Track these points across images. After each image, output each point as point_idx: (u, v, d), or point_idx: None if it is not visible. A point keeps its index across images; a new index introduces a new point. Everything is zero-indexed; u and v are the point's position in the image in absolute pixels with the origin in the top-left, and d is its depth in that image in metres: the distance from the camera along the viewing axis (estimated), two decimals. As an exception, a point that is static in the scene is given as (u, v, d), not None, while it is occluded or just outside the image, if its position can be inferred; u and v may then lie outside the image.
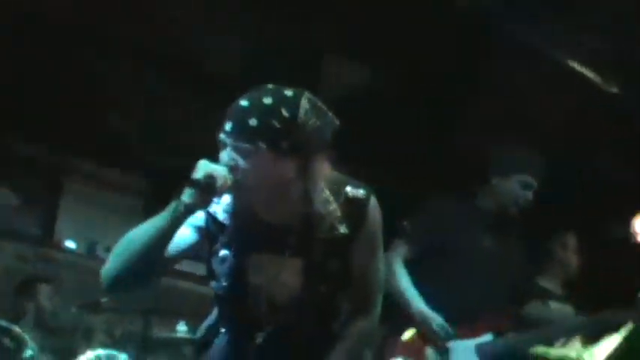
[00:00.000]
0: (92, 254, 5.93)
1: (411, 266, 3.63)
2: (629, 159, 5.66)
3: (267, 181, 2.13)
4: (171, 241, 2.17)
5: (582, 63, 4.93)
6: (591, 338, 4.18)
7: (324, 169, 2.22)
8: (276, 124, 2.09)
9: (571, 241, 4.54)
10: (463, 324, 3.57)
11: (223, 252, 2.27)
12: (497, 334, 3.64)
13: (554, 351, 4.18)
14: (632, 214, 4.80)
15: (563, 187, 5.63)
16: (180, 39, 5.00)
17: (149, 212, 2.27)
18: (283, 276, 2.25)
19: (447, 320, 3.56)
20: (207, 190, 2.11)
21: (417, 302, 3.56)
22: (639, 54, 4.68)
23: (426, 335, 3.55)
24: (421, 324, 3.54)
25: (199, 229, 2.29)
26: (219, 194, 2.18)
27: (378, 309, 2.39)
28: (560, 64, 4.87)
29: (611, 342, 4.20)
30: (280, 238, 2.24)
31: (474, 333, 3.61)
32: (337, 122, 2.20)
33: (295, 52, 4.60)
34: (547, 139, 4.96)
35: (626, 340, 4.05)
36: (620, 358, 4.08)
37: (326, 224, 2.23)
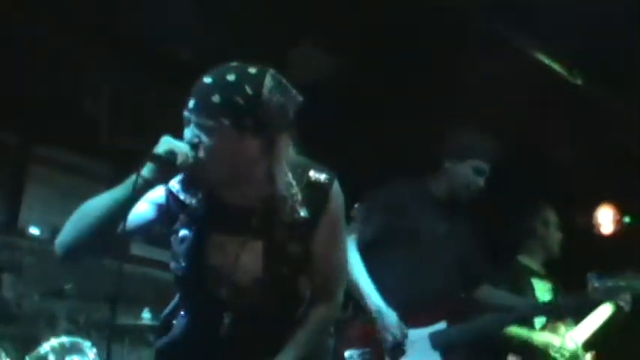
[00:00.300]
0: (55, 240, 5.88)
1: (364, 251, 3.58)
2: (592, 150, 5.72)
3: (230, 158, 2.13)
4: (128, 214, 2.14)
5: (546, 53, 4.98)
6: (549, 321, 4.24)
7: (288, 149, 2.22)
8: (240, 101, 2.09)
9: (552, 217, 4.57)
10: (417, 311, 3.54)
11: (183, 232, 2.27)
12: (452, 321, 3.61)
13: (538, 336, 4.23)
14: (596, 205, 4.85)
15: (526, 177, 5.69)
16: (147, 25, 4.96)
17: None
18: (243, 258, 2.24)
19: (400, 307, 3.51)
20: (168, 165, 2.10)
21: (373, 297, 3.49)
22: (602, 45, 4.72)
23: (381, 331, 3.48)
24: (376, 320, 3.48)
25: (159, 206, 2.28)
26: (180, 171, 2.16)
27: (340, 295, 2.39)
28: (524, 55, 4.90)
29: (591, 323, 4.27)
30: (241, 219, 2.24)
31: (428, 321, 3.58)
32: (301, 99, 2.20)
33: (261, 41, 4.59)
34: (509, 129, 4.99)
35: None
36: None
37: (287, 207, 2.22)
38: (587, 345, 4.25)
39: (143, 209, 2.24)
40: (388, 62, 5.05)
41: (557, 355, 4.14)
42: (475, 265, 3.85)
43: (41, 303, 5.07)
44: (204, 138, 2.11)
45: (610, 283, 3.73)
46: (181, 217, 2.27)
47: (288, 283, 2.27)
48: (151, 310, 4.84)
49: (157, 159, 2.10)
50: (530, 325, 4.31)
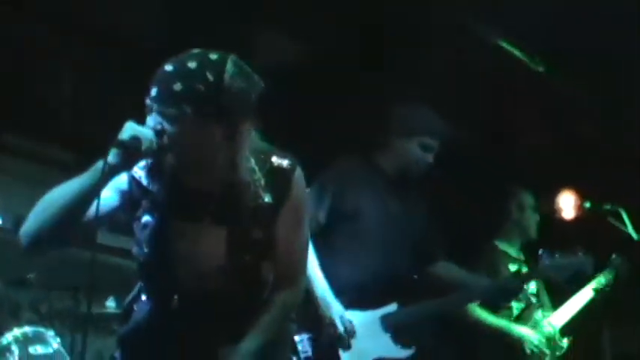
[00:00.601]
0: (19, 230, 5.81)
1: (318, 235, 3.47)
2: (554, 137, 5.79)
3: (193, 145, 2.13)
4: (93, 202, 2.12)
5: (509, 41, 5.01)
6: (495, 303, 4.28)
7: (250, 136, 2.23)
8: (201, 88, 2.09)
9: (528, 200, 4.60)
10: (368, 294, 3.52)
11: (146, 218, 2.27)
12: (404, 302, 3.59)
13: (516, 327, 4.27)
14: (557, 191, 4.92)
15: (489, 164, 5.75)
16: (110, 12, 4.91)
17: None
18: (206, 244, 2.24)
19: (351, 290, 3.47)
20: (133, 151, 2.09)
21: (319, 286, 3.42)
22: (567, 33, 4.76)
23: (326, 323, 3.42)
24: (322, 311, 3.41)
25: (122, 193, 2.27)
26: (145, 157, 2.16)
27: (302, 281, 2.41)
28: (487, 41, 4.93)
29: (570, 308, 4.34)
30: (204, 205, 2.24)
31: (378, 303, 3.55)
32: (262, 85, 2.21)
33: (225, 28, 4.57)
34: (471, 115, 5.04)
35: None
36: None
37: (250, 192, 2.23)
38: (565, 330, 4.32)
39: (107, 196, 2.22)
40: (350, 49, 5.05)
41: (533, 349, 4.18)
42: (429, 242, 3.79)
43: (4, 292, 5.02)
44: (167, 125, 2.11)
45: (559, 260, 3.81)
46: (144, 203, 2.27)
47: (251, 270, 2.27)
48: (116, 299, 4.82)
49: (122, 145, 2.09)
50: (509, 310, 4.36)
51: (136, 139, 2.09)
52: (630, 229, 4.43)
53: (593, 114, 5.46)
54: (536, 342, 4.17)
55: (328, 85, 5.18)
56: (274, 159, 2.30)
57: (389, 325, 3.54)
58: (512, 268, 4.45)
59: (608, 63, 4.89)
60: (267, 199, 2.25)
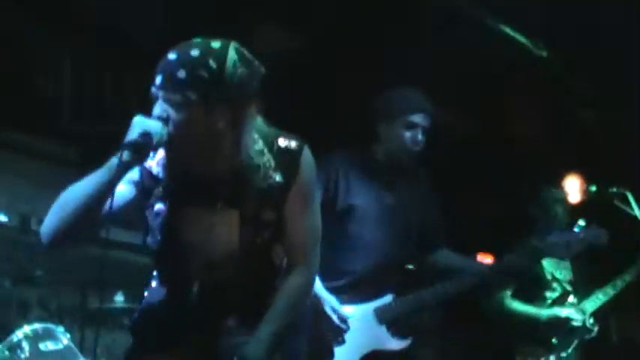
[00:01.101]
0: (26, 228, 5.83)
1: None
2: (558, 121, 5.78)
3: (199, 132, 2.18)
4: (108, 198, 2.17)
5: (512, 26, 5.00)
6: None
7: (255, 119, 2.28)
8: (205, 75, 2.13)
9: (550, 197, 4.61)
10: (363, 286, 3.47)
11: (158, 206, 2.30)
12: (399, 293, 3.54)
13: (545, 312, 4.29)
14: (563, 175, 4.91)
15: (494, 151, 5.74)
16: (109, 5, 4.91)
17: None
18: (218, 228, 2.28)
19: (347, 283, 3.44)
20: (145, 148, 2.14)
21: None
22: (568, 17, 4.75)
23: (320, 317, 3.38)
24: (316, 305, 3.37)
25: (135, 184, 2.31)
26: (156, 150, 2.21)
27: (315, 262, 2.41)
28: (490, 27, 4.92)
29: (602, 295, 4.35)
30: (214, 190, 2.29)
31: (373, 295, 3.51)
32: (263, 70, 2.26)
33: (224, 23, 4.57)
34: (474, 103, 5.03)
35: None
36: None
37: (260, 174, 2.28)
38: (597, 316, 4.34)
39: (121, 190, 2.27)
40: (349, 34, 5.04)
41: (576, 324, 4.21)
42: (427, 231, 3.71)
43: (12, 290, 5.03)
44: (173, 113, 2.16)
45: (554, 239, 3.75)
46: (156, 191, 2.30)
47: (263, 254, 2.30)
48: (124, 294, 4.84)
49: (134, 145, 2.13)
50: (541, 299, 4.38)
51: (146, 136, 2.13)
52: (637, 212, 4.43)
53: (595, 98, 5.45)
54: (578, 316, 4.22)
55: (321, 77, 5.17)
56: (281, 140, 2.34)
57: (383, 317, 3.49)
58: (548, 264, 4.46)
59: (610, 48, 4.87)
60: (277, 178, 2.29)
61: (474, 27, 4.85)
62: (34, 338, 4.21)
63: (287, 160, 2.31)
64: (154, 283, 2.41)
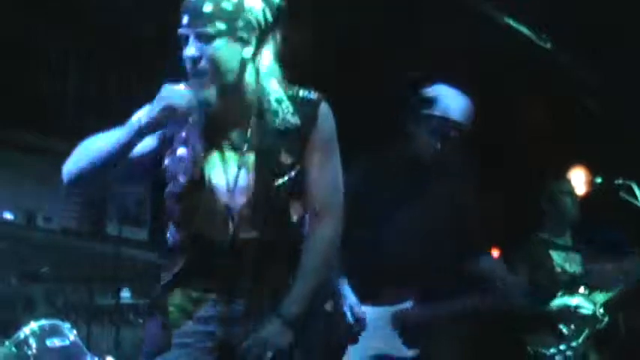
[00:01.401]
0: (31, 225, 5.85)
1: None
2: (563, 114, 5.76)
3: (227, 63, 2.27)
4: (129, 153, 2.27)
5: (516, 18, 4.98)
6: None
7: (275, 61, 2.37)
8: (229, 7, 2.25)
9: (557, 188, 4.61)
10: (385, 289, 3.37)
11: (181, 150, 2.33)
12: (421, 300, 3.40)
13: (555, 300, 4.30)
14: (568, 168, 4.90)
15: (498, 144, 5.72)
16: (111, 4, 4.91)
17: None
18: (239, 172, 2.31)
19: (370, 284, 3.35)
20: (163, 124, 2.23)
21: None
22: (573, 10, 4.74)
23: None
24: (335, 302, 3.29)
25: (158, 133, 2.33)
26: (187, 116, 2.27)
27: (340, 214, 2.39)
28: (494, 20, 4.90)
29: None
30: (236, 132, 2.34)
31: (394, 299, 3.40)
32: (282, 2, 2.35)
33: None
34: (481, 94, 5.00)
35: None
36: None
37: (278, 116, 2.33)
38: (608, 307, 4.33)
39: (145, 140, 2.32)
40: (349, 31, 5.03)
41: (586, 314, 4.22)
42: (461, 236, 3.47)
43: (18, 287, 5.05)
44: (203, 46, 2.24)
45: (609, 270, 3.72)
46: (178, 136, 2.34)
47: (282, 206, 2.31)
48: (130, 290, 4.85)
49: (152, 122, 2.20)
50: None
51: (168, 110, 2.19)
52: (643, 203, 4.41)
53: (598, 88, 5.43)
54: (588, 305, 4.22)
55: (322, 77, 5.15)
56: (301, 92, 2.39)
57: (398, 322, 3.40)
58: (558, 257, 4.46)
59: (614, 37, 4.85)
60: (295, 122, 2.33)
61: (476, 19, 4.83)
62: (41, 335, 4.22)
63: (306, 109, 2.35)
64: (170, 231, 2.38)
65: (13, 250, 5.27)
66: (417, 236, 3.42)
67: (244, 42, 2.27)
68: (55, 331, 4.27)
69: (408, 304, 3.41)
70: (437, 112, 3.41)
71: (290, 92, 2.38)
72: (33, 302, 5.10)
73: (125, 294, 4.92)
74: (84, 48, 5.28)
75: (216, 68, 2.25)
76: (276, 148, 2.31)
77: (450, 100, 3.43)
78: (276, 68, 2.38)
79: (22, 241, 5.46)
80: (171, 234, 2.38)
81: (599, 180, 4.61)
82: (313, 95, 2.39)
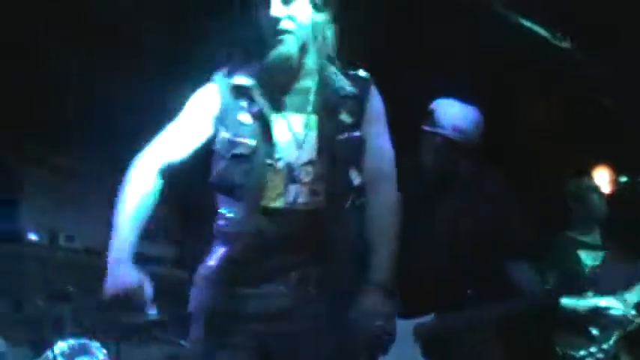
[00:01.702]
0: (54, 245, 5.86)
1: None
2: (580, 115, 5.72)
3: (306, 25, 2.43)
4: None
5: (532, 18, 4.96)
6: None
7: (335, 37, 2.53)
8: None
9: (581, 185, 4.58)
10: (411, 299, 3.27)
11: (244, 115, 2.42)
12: (445, 311, 3.35)
13: (583, 302, 4.26)
14: (592, 166, 4.87)
15: (519, 143, 5.69)
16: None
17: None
18: (306, 128, 2.40)
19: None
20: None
21: None
22: (589, 8, 4.71)
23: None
24: None
25: (213, 117, 2.45)
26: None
27: (395, 183, 2.48)
28: (511, 20, 4.89)
29: None
30: (300, 96, 2.45)
31: (419, 310, 3.34)
32: None
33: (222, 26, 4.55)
34: (495, 94, 4.97)
35: None
36: None
37: (337, 85, 2.47)
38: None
39: (198, 129, 2.45)
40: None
41: (606, 319, 4.18)
42: (487, 244, 3.41)
43: (45, 307, 5.07)
44: (286, 7, 2.39)
45: None
46: (244, 104, 2.42)
47: (343, 168, 2.38)
48: (156, 306, 4.84)
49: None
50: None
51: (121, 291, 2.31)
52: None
53: (617, 85, 5.38)
54: (619, 306, 4.18)
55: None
56: (352, 70, 2.55)
57: (420, 334, 3.34)
58: (586, 256, 4.43)
59: (630, 35, 4.82)
60: (352, 90, 2.47)
61: (491, 19, 4.81)
62: (70, 354, 4.24)
63: (360, 84, 2.50)
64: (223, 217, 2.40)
65: (38, 271, 5.30)
66: (431, 250, 3.37)
67: (319, 8, 2.45)
68: (84, 350, 4.30)
69: (429, 317, 3.37)
70: (430, 128, 3.41)
71: (342, 70, 2.52)
72: (61, 321, 5.12)
73: (152, 311, 4.91)
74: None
75: (298, 27, 2.39)
76: (337, 109, 2.43)
77: (448, 116, 3.40)
78: (334, 43, 2.53)
79: (46, 262, 5.48)
80: (222, 216, 2.40)
81: (624, 179, 4.57)
82: (364, 73, 2.55)
